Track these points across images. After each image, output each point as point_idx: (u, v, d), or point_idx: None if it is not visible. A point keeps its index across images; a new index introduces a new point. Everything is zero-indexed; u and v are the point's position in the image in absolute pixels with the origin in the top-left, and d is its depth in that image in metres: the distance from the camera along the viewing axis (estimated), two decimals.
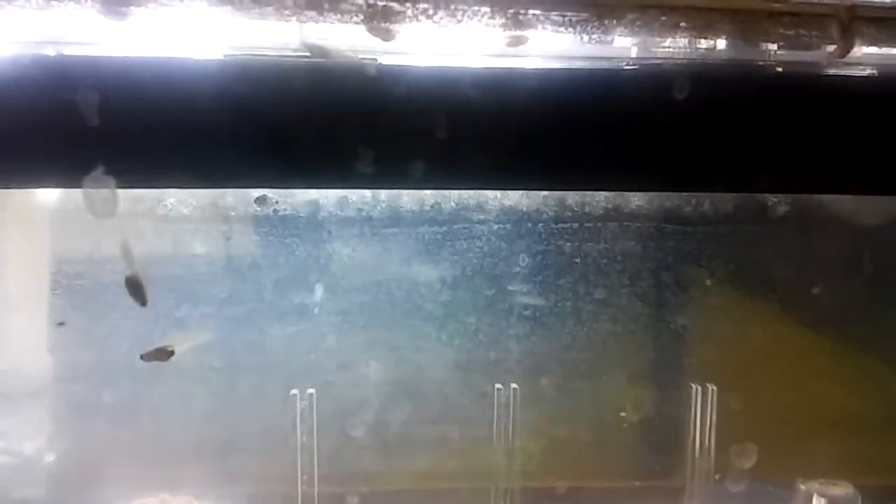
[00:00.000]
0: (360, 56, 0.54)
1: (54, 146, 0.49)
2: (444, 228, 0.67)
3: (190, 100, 0.50)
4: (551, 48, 0.59)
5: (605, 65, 0.59)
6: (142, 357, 0.60)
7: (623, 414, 0.69)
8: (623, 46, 0.60)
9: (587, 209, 0.68)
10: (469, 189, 0.64)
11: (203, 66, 0.51)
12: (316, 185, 0.62)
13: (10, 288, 0.67)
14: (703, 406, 0.64)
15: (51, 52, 0.52)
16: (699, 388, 0.65)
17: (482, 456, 0.66)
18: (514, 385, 0.65)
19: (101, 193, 0.49)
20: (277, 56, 0.53)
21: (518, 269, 0.69)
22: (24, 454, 0.69)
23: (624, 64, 0.59)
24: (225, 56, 0.53)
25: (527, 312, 0.69)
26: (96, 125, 0.48)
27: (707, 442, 0.64)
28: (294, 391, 0.63)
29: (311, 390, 0.63)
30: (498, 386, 0.65)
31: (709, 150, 0.58)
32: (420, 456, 0.69)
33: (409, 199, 0.67)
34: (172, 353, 0.61)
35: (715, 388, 0.65)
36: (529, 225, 0.68)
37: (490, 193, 0.67)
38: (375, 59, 0.54)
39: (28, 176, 0.51)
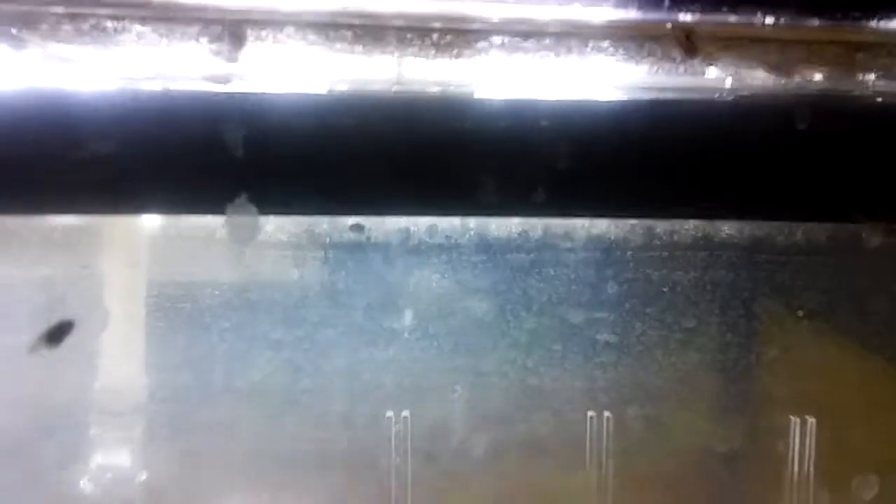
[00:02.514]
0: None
1: (199, 175, 0.52)
2: (532, 256, 0.68)
3: (315, 133, 0.53)
4: (642, 79, 0.60)
5: (698, 96, 0.60)
6: None
7: (715, 445, 0.68)
8: (717, 77, 0.60)
9: (675, 238, 0.68)
10: (577, 217, 0.66)
11: (316, 101, 0.54)
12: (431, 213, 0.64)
13: (111, 310, 0.71)
14: (801, 438, 0.63)
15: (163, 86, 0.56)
16: (798, 420, 0.64)
17: (571, 485, 0.66)
18: (607, 413, 0.65)
19: (243, 220, 0.52)
20: (381, 90, 0.56)
21: (605, 297, 0.69)
22: (120, 470, 0.71)
23: (718, 95, 0.60)
24: (329, 91, 0.55)
25: (613, 341, 0.69)
26: (237, 156, 0.51)
27: (806, 474, 0.63)
28: (389, 414, 0.64)
29: (406, 413, 0.64)
30: (591, 414, 0.65)
31: (807, 179, 0.57)
32: (507, 482, 0.69)
33: (496, 226, 0.68)
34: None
35: (814, 420, 0.63)
36: (618, 253, 0.68)
37: (578, 222, 0.68)
38: (472, 93, 0.56)
39: (176, 203, 0.55)
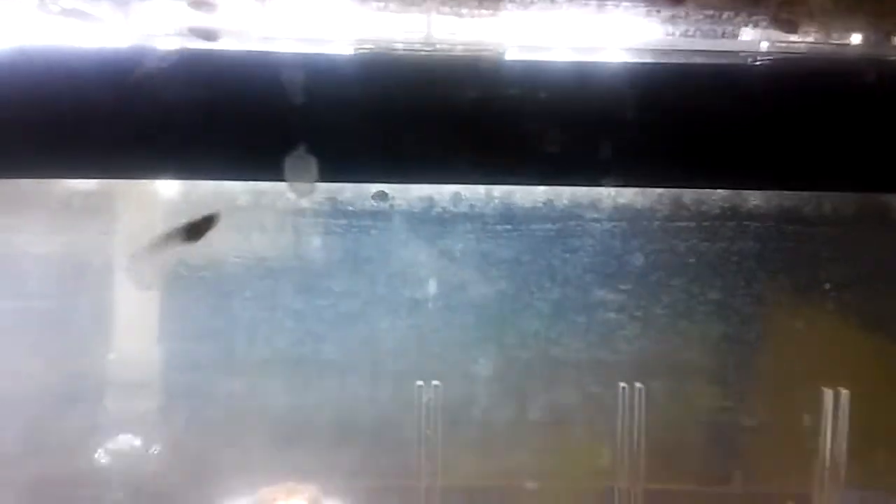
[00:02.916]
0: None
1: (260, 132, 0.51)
2: (557, 226, 0.67)
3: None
4: (671, 41, 0.58)
5: (731, 60, 0.59)
6: None
7: (742, 418, 0.67)
8: (750, 41, 0.59)
9: (703, 208, 0.67)
10: (599, 186, 0.64)
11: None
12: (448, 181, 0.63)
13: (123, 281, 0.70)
14: (834, 410, 0.62)
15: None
16: (831, 391, 0.63)
17: (601, 456, 0.65)
18: (638, 384, 0.64)
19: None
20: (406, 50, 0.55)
21: (631, 268, 0.68)
22: (144, 441, 0.70)
23: (751, 59, 0.58)
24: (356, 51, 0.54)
25: (638, 313, 0.68)
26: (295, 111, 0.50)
27: (837, 448, 0.62)
28: (419, 383, 0.63)
29: (436, 383, 0.63)
30: (622, 385, 0.65)
31: (841, 147, 0.56)
32: (534, 453, 0.69)
33: (521, 196, 0.67)
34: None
35: (847, 392, 0.62)
36: (644, 223, 0.67)
37: (604, 191, 0.67)
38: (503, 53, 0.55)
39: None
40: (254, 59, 0.54)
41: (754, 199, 0.67)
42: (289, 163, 0.53)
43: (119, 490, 0.67)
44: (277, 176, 0.55)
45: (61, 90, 0.51)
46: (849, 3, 0.54)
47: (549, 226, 0.67)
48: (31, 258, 0.65)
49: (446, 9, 0.53)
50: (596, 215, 0.67)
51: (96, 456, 0.69)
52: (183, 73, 0.52)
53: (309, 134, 0.54)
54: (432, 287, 0.67)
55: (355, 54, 0.55)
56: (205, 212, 0.57)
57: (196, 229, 0.56)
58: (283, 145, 0.53)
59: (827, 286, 0.69)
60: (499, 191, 0.67)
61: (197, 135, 0.53)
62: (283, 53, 0.54)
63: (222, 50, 0.54)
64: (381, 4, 0.51)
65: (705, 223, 0.67)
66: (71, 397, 0.68)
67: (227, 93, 0.53)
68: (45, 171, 0.55)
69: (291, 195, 0.66)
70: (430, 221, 0.67)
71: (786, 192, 0.67)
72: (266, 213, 0.66)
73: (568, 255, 0.67)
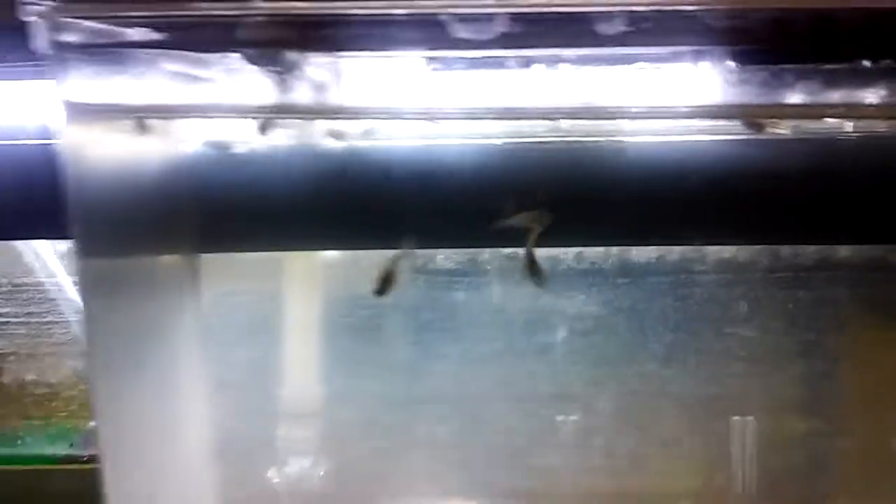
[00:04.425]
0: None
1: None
2: (670, 278, 0.77)
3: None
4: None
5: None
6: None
7: (841, 445, 0.76)
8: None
9: (799, 259, 0.77)
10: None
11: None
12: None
13: (292, 325, 0.82)
14: None
15: None
16: None
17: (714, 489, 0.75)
18: (749, 418, 0.74)
19: None
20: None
21: (735, 314, 0.77)
22: (302, 469, 0.82)
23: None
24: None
25: (743, 353, 0.78)
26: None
27: None
28: (560, 418, 0.74)
29: (574, 417, 0.74)
30: (734, 418, 0.74)
31: None
32: (657, 476, 0.78)
33: (637, 252, 0.78)
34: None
35: None
36: (746, 274, 0.77)
37: (709, 247, 0.77)
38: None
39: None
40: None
41: (844, 251, 0.77)
42: None
43: None
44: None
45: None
46: None
47: (661, 278, 0.77)
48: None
49: None
50: (703, 268, 0.77)
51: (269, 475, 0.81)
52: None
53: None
54: (561, 333, 0.78)
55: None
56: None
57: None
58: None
59: None
60: (616, 248, 0.78)
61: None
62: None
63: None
64: None
65: (801, 273, 0.77)
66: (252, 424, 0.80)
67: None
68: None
69: (439, 257, 0.78)
70: (557, 276, 0.78)
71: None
72: (417, 273, 0.78)
73: (679, 304, 0.77)
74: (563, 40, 0.49)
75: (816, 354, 0.77)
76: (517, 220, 0.69)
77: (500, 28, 0.47)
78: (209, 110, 0.61)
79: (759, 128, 0.63)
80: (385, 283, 0.71)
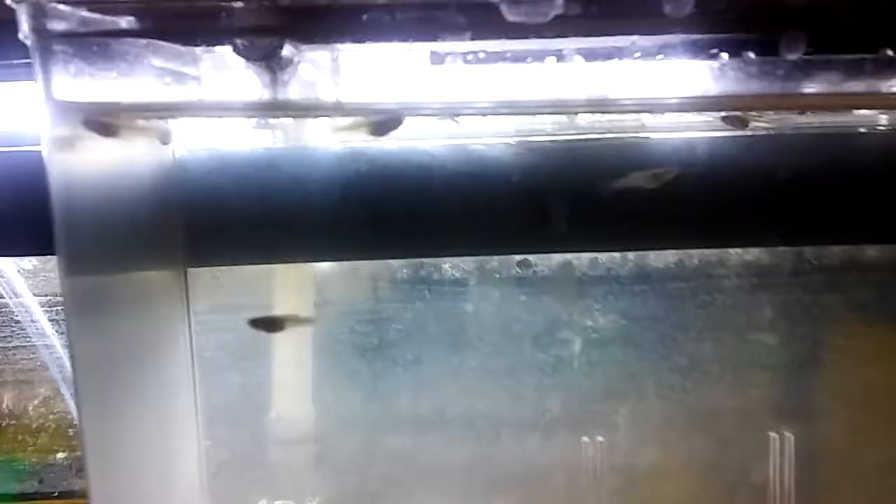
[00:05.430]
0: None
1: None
2: (690, 284, 0.73)
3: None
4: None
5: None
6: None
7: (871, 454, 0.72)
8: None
9: (824, 261, 0.73)
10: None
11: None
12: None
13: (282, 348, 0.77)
14: None
15: None
16: None
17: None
18: (788, 433, 0.69)
19: None
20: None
21: (758, 320, 0.73)
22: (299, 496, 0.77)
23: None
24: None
25: (768, 360, 0.74)
26: None
27: None
28: (585, 439, 0.70)
29: (601, 438, 0.69)
30: (773, 434, 0.70)
31: None
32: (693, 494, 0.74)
33: (655, 257, 0.74)
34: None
35: None
36: (769, 278, 0.73)
37: (731, 250, 0.73)
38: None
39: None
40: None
41: (871, 251, 0.73)
42: None
43: None
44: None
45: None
46: None
47: (681, 284, 0.73)
48: None
49: None
50: (724, 272, 0.73)
51: None
52: None
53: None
54: (577, 345, 0.73)
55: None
56: None
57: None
58: None
59: None
60: (633, 254, 0.73)
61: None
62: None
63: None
64: None
65: (826, 275, 0.73)
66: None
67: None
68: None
69: (446, 266, 0.74)
70: (570, 285, 0.74)
71: None
72: (422, 284, 0.73)
73: (700, 311, 0.73)
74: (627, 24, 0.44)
75: (843, 358, 0.73)
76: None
77: (555, 10, 0.42)
78: (198, 108, 0.56)
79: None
80: None
